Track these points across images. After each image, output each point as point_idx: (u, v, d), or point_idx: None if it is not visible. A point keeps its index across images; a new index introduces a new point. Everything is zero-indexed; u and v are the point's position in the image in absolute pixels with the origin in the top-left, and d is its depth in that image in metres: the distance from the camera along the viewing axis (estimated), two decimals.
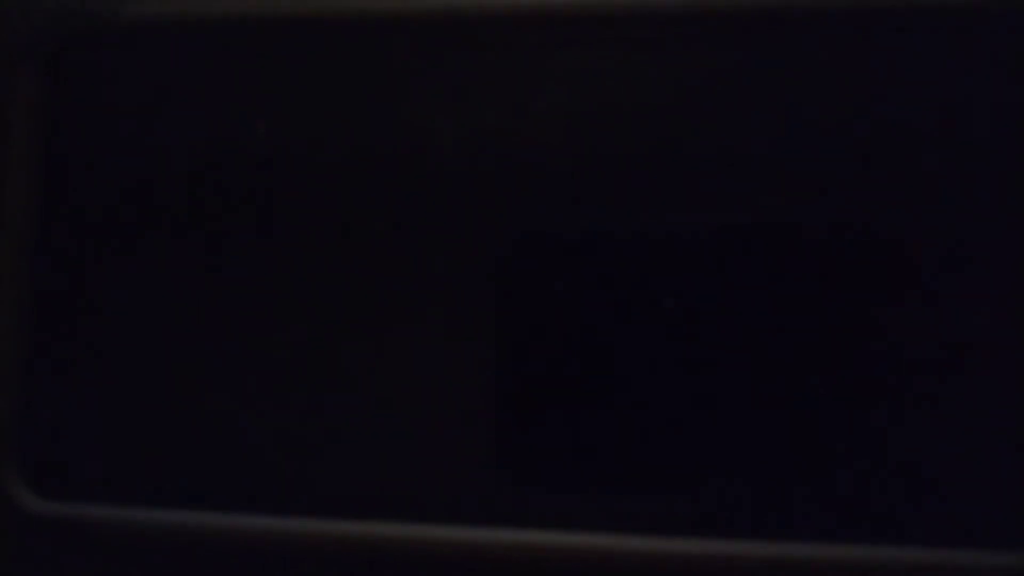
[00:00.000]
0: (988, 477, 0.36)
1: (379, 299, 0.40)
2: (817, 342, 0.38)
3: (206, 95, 0.42)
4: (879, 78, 0.38)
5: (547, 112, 0.39)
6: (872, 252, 0.37)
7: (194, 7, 0.42)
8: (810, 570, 0.36)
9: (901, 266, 0.37)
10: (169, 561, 0.40)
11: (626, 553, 0.37)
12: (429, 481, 0.39)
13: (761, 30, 0.39)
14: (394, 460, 0.40)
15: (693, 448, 0.38)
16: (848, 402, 0.37)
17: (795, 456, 0.37)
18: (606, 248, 0.39)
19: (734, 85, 0.39)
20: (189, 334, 0.41)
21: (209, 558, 0.39)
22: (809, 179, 0.38)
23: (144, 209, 0.41)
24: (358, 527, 0.39)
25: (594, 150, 0.39)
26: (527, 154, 0.39)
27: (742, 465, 0.38)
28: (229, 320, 0.41)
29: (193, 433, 0.41)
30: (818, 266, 0.38)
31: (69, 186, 0.42)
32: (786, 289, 0.38)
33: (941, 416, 0.37)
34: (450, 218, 0.40)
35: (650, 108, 0.39)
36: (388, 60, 0.40)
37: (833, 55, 0.38)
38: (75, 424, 0.42)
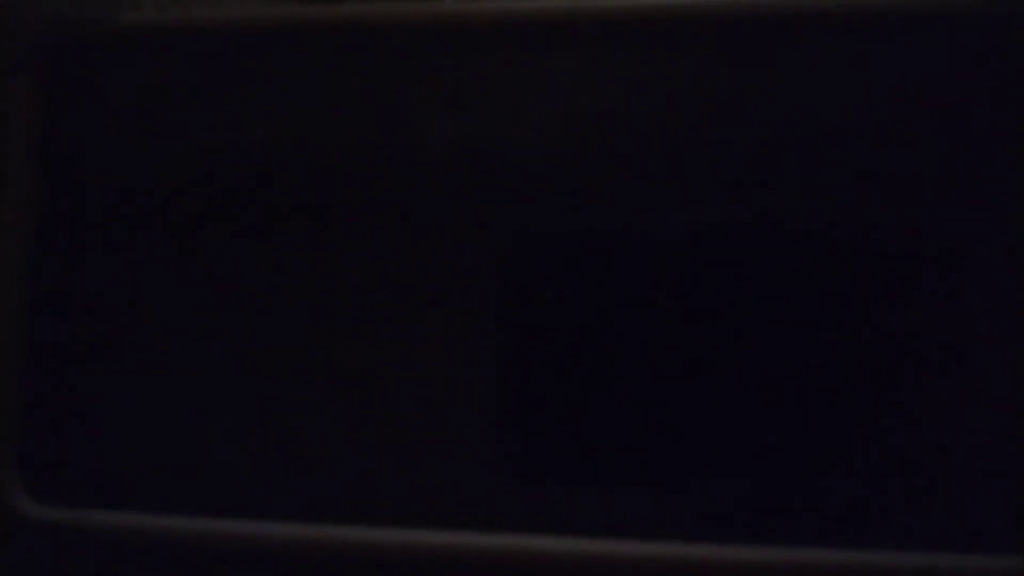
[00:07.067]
0: (987, 482, 0.36)
1: (378, 300, 0.40)
2: (817, 344, 0.38)
3: (201, 99, 0.42)
4: (879, 80, 0.38)
5: (546, 114, 0.40)
6: (873, 255, 0.38)
7: (189, 14, 0.42)
8: (810, 574, 0.36)
9: (903, 269, 0.37)
10: (166, 566, 0.40)
11: (626, 556, 0.37)
12: (429, 485, 0.39)
13: (758, 32, 0.39)
14: (394, 464, 0.40)
15: (694, 450, 0.38)
16: (848, 406, 0.37)
17: (796, 459, 0.37)
18: (607, 249, 0.39)
19: (735, 87, 0.39)
20: (188, 337, 0.41)
21: (207, 563, 0.39)
22: (808, 180, 0.38)
23: (143, 211, 0.41)
24: (355, 532, 0.39)
25: (593, 151, 0.39)
26: (526, 155, 0.40)
27: (743, 468, 0.38)
28: (228, 323, 0.41)
29: (192, 439, 0.41)
30: (818, 268, 0.38)
31: (68, 189, 0.42)
32: (786, 291, 0.38)
33: (940, 421, 0.37)
34: (448, 218, 0.40)
35: (648, 110, 0.39)
36: (377, 64, 0.41)
37: (831, 57, 0.38)
38: (73, 431, 0.42)
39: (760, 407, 0.38)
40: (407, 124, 0.40)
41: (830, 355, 0.37)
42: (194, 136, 0.42)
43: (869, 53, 0.38)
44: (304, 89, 0.41)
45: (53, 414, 0.42)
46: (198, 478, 0.41)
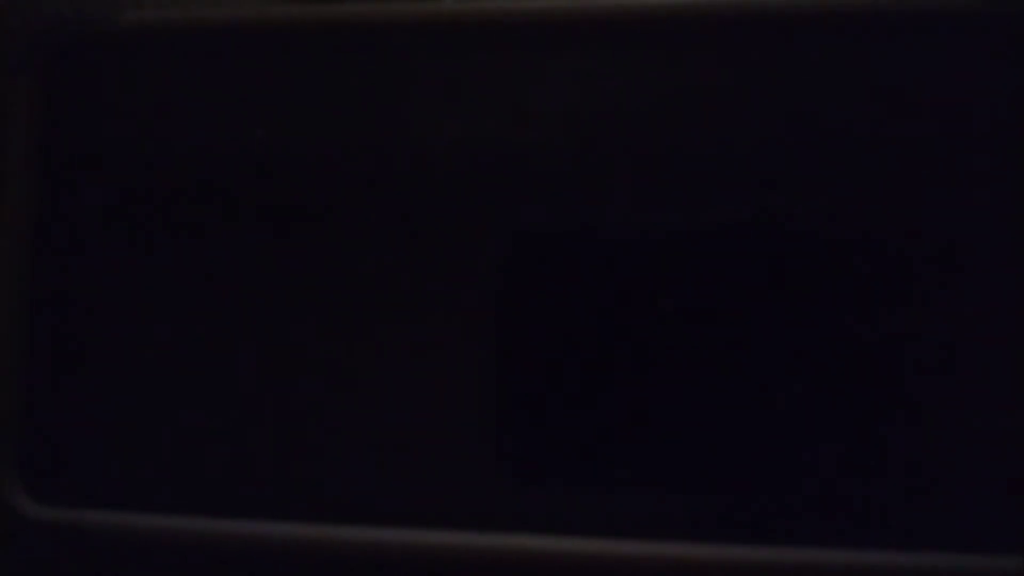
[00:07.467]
0: (987, 482, 0.36)
1: (378, 300, 0.40)
2: (817, 343, 0.37)
3: (201, 99, 0.42)
4: (879, 81, 0.38)
5: (546, 114, 0.40)
6: (873, 255, 0.37)
7: (189, 14, 0.42)
8: (810, 574, 0.36)
9: (903, 269, 0.37)
10: (166, 566, 0.40)
11: (626, 556, 0.37)
12: (428, 484, 0.39)
13: (758, 32, 0.39)
14: (394, 463, 0.40)
15: (694, 450, 0.38)
16: (848, 405, 0.37)
17: (796, 459, 0.37)
18: (606, 247, 0.39)
19: (735, 87, 0.39)
20: (188, 337, 0.41)
21: (207, 564, 0.39)
22: (808, 180, 0.38)
23: (143, 212, 0.41)
24: (355, 532, 0.39)
25: (593, 151, 0.39)
26: (526, 155, 0.40)
27: (743, 468, 0.38)
28: (228, 322, 0.41)
29: (191, 438, 0.41)
30: (818, 267, 0.38)
31: (68, 189, 0.42)
32: (786, 289, 0.38)
33: (940, 420, 0.37)
34: (448, 218, 0.40)
35: (649, 110, 0.39)
36: (377, 64, 0.41)
37: (831, 57, 0.38)
38: (73, 431, 0.42)
39: (760, 407, 0.38)
40: (407, 124, 0.40)
41: (830, 354, 0.37)
42: (194, 136, 0.42)
43: (869, 53, 0.38)
44: (304, 89, 0.41)
45: (53, 414, 0.42)
46: (198, 478, 0.40)
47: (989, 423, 0.36)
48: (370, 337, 0.40)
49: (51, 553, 0.40)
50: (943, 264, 0.37)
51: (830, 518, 0.37)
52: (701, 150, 0.39)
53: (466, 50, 0.40)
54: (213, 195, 0.41)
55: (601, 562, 0.37)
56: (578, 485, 0.39)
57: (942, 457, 0.37)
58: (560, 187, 0.39)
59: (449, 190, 0.40)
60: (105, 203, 0.42)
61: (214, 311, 0.41)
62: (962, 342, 0.37)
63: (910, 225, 0.37)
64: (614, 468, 0.38)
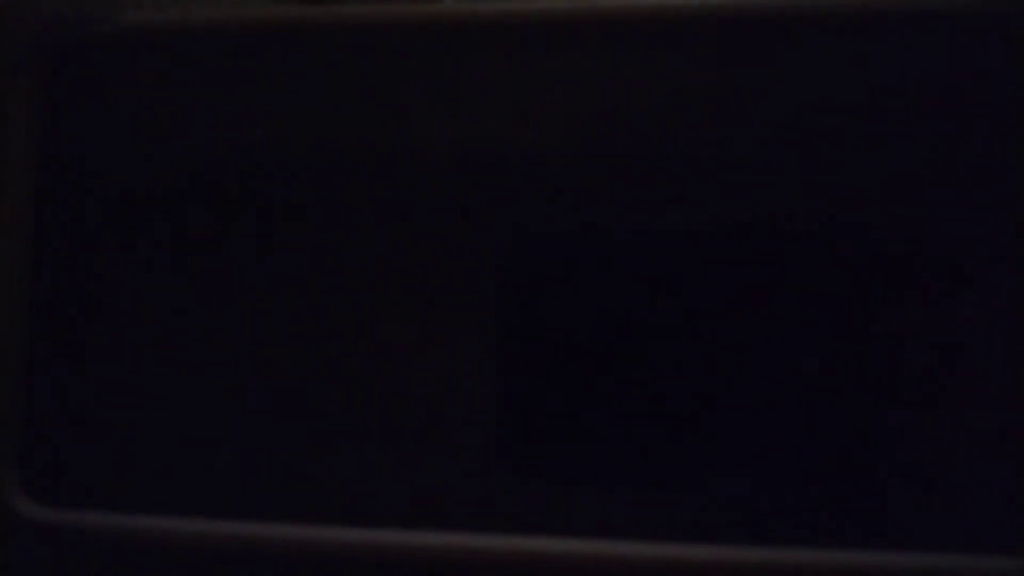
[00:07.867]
0: (987, 482, 0.36)
1: (378, 300, 0.40)
2: (818, 343, 0.37)
3: (201, 99, 0.42)
4: (878, 81, 0.38)
5: (546, 114, 0.40)
6: (872, 256, 0.37)
7: (189, 14, 0.42)
8: (810, 574, 0.36)
9: (902, 270, 0.37)
10: (166, 566, 0.40)
11: (626, 557, 0.37)
12: (428, 485, 0.39)
13: (758, 32, 0.39)
14: (393, 463, 0.40)
15: (694, 451, 0.38)
16: (848, 406, 0.37)
17: (795, 459, 0.37)
18: (606, 249, 0.39)
19: (735, 87, 0.39)
20: (188, 337, 0.41)
21: (207, 564, 0.39)
22: (808, 181, 0.38)
23: (142, 212, 0.41)
24: (355, 532, 0.39)
25: (593, 152, 0.39)
26: (526, 156, 0.40)
27: (743, 468, 0.38)
28: (227, 324, 0.41)
29: (191, 438, 0.41)
30: (817, 266, 0.38)
31: (68, 190, 0.42)
32: (787, 289, 0.38)
33: (940, 419, 0.37)
34: (447, 218, 0.40)
35: (649, 110, 0.39)
36: (381, 64, 0.41)
37: (831, 57, 0.38)
38: (73, 431, 0.42)
39: (760, 407, 0.38)
40: (407, 124, 0.40)
41: (830, 355, 0.37)
42: (194, 136, 0.42)
43: (869, 53, 0.38)
44: (304, 90, 0.41)
45: (53, 414, 0.42)
46: (198, 479, 0.40)
47: (989, 423, 0.36)
48: (369, 337, 0.40)
49: (51, 553, 0.40)
50: (943, 264, 0.37)
51: (830, 518, 0.37)
52: (701, 150, 0.39)
53: (466, 50, 0.40)
54: (213, 195, 0.41)
55: (601, 562, 0.37)
56: (578, 485, 0.39)
57: (942, 457, 0.37)
58: (560, 187, 0.39)
59: (449, 190, 0.40)
60: (105, 203, 0.42)
61: (214, 311, 0.41)
62: (962, 342, 0.37)
63: (909, 225, 0.37)
64: (614, 468, 0.38)
